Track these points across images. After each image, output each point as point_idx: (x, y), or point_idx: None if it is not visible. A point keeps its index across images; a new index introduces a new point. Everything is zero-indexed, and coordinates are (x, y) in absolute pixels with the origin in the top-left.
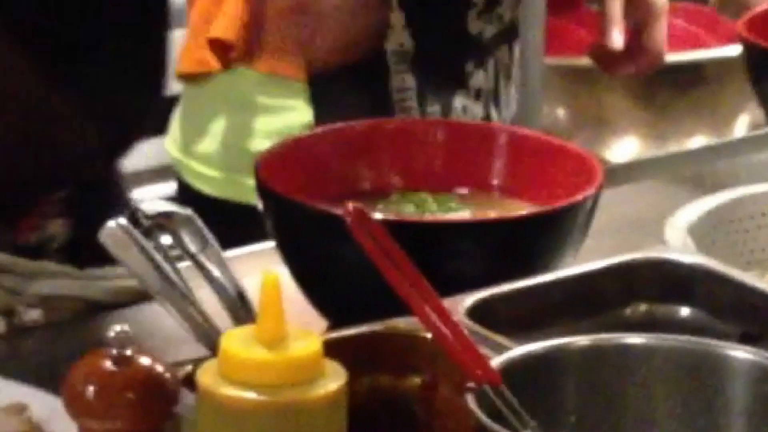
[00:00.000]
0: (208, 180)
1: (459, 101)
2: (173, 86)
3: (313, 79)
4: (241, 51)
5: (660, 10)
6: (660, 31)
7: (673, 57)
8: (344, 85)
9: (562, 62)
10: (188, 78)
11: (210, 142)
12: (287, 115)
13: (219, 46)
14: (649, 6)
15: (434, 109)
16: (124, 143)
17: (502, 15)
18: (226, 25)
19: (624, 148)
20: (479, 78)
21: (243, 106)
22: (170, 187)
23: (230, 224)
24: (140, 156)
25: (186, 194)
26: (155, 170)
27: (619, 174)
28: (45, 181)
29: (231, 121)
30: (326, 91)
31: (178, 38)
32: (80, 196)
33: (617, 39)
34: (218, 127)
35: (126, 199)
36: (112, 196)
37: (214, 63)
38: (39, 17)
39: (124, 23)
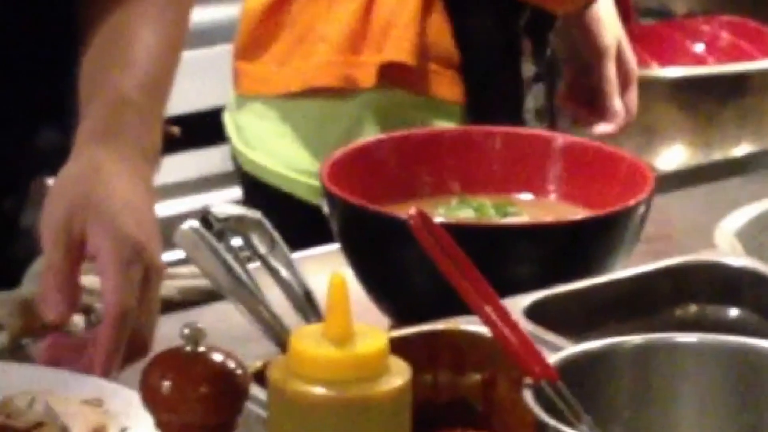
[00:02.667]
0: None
1: None
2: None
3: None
4: (414, 74)
5: (635, 76)
6: (635, 93)
7: (718, 68)
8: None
9: None
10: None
11: None
12: None
13: (389, 67)
14: (629, 72)
15: None
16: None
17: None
18: (402, 49)
19: (671, 155)
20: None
21: (395, 124)
22: (235, 192)
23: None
24: (207, 163)
25: (254, 199)
26: (221, 176)
27: (670, 181)
28: None
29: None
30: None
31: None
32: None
33: (619, 106)
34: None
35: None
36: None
37: (364, 81)
38: None
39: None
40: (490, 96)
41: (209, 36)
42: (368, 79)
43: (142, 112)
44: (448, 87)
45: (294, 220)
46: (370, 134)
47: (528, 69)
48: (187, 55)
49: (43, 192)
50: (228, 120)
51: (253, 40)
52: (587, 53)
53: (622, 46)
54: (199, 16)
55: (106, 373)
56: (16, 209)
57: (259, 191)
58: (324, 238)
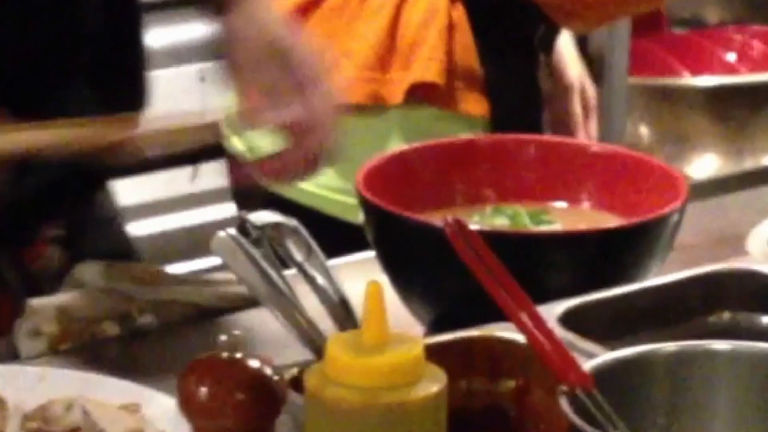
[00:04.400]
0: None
1: None
2: None
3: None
4: (442, 92)
5: (595, 105)
6: (594, 122)
7: (750, 78)
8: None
9: (646, 82)
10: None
11: None
12: None
13: (417, 86)
14: (589, 103)
15: None
16: (99, 179)
17: None
18: (431, 68)
19: (703, 164)
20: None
21: (422, 137)
22: None
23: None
24: None
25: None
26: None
27: (702, 189)
28: (37, 213)
29: None
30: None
31: None
32: (75, 228)
33: (583, 137)
34: None
35: (123, 232)
36: (107, 230)
37: (392, 98)
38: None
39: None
40: (514, 108)
41: None
42: (396, 96)
43: None
44: (474, 103)
45: (325, 237)
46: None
47: (545, 82)
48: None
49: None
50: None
51: None
52: (552, 89)
53: (583, 80)
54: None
55: None
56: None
57: (288, 211)
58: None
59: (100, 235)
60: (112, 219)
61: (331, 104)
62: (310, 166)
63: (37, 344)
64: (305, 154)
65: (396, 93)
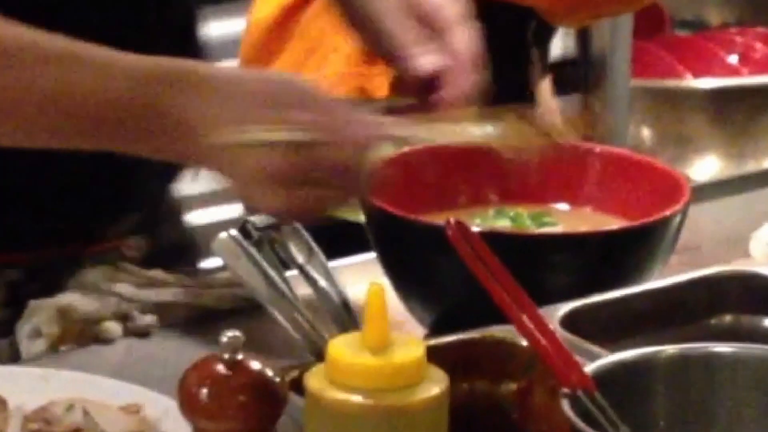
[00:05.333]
0: None
1: None
2: None
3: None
4: None
5: None
6: None
7: (752, 80)
8: None
9: (648, 84)
10: None
11: None
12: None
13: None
14: None
15: None
16: (178, 168)
17: None
18: None
19: (705, 166)
20: None
21: None
22: None
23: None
24: None
25: None
26: None
27: (704, 191)
28: (119, 202)
29: None
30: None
31: None
32: (151, 217)
33: None
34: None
35: (182, 222)
36: (176, 220)
37: (378, 92)
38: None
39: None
40: (502, 102)
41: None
42: (382, 89)
43: None
44: None
45: (326, 239)
46: None
47: (537, 77)
48: None
49: None
50: None
51: (259, 53)
52: None
53: None
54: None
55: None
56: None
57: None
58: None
59: (171, 226)
60: (179, 210)
61: (472, 48)
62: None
63: (37, 345)
64: (455, 97)
65: (381, 86)
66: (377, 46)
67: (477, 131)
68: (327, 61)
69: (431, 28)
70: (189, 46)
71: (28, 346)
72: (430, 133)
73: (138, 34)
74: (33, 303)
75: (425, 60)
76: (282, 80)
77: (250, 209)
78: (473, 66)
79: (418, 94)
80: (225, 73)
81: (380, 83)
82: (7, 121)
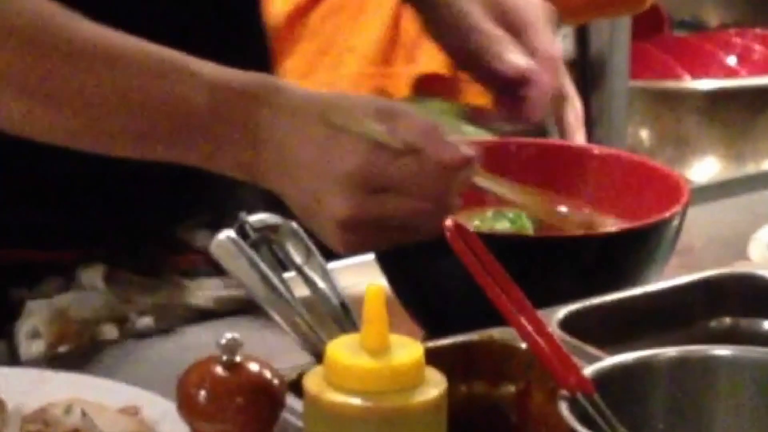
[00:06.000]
0: None
1: None
2: None
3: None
4: (447, 83)
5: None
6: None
7: (751, 81)
8: None
9: (646, 85)
10: None
11: None
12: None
13: (422, 77)
14: (579, 112)
15: None
16: None
17: None
18: (437, 59)
19: (704, 167)
20: None
21: None
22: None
23: None
24: None
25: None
26: None
27: (703, 193)
28: (191, 199)
29: None
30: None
31: None
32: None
33: None
34: None
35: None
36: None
37: (398, 91)
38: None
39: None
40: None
41: None
42: (402, 89)
43: None
44: (479, 93)
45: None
46: None
47: None
48: None
49: None
50: None
51: None
52: None
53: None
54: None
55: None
56: None
57: (287, 212)
58: None
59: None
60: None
61: (553, 49)
62: (538, 111)
63: (36, 345)
64: (539, 97)
65: (401, 86)
66: (461, 50)
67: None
68: (342, 62)
69: (511, 27)
70: (252, 28)
71: (26, 346)
72: (513, 192)
73: (200, 19)
74: (31, 303)
75: (514, 58)
76: (363, 96)
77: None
78: (556, 66)
79: (501, 93)
80: (302, 90)
81: (399, 82)
82: (79, 120)
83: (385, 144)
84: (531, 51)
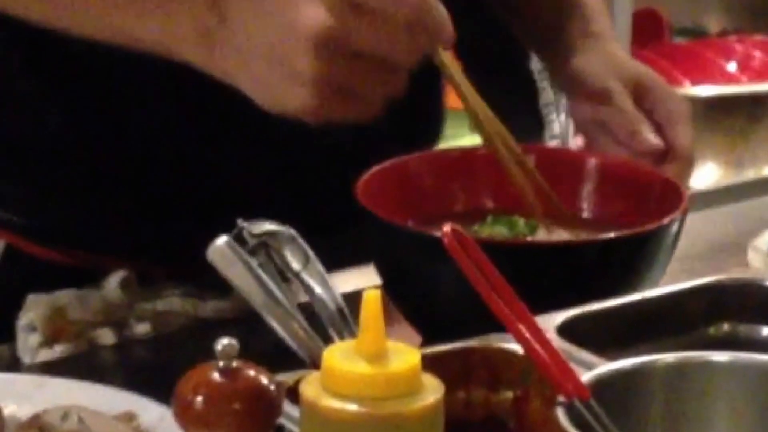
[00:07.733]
0: None
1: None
2: None
3: None
4: None
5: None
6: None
7: (751, 87)
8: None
9: None
10: None
11: None
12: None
13: None
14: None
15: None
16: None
17: None
18: None
19: (704, 174)
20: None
21: None
22: None
23: None
24: None
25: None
26: None
27: (702, 199)
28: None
29: None
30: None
31: None
32: None
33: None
34: None
35: None
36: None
37: None
38: None
39: None
40: (501, 95)
41: None
42: None
43: None
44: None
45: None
46: None
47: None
48: None
49: None
50: None
51: None
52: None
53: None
54: None
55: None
56: None
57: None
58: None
59: None
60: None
61: (690, 150)
62: None
63: (33, 339)
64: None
65: None
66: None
67: None
68: None
69: (652, 114)
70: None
71: (24, 338)
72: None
73: None
74: (32, 297)
75: (651, 138)
76: None
77: None
78: (690, 167)
79: None
80: None
81: None
82: None
83: None
84: (669, 143)
